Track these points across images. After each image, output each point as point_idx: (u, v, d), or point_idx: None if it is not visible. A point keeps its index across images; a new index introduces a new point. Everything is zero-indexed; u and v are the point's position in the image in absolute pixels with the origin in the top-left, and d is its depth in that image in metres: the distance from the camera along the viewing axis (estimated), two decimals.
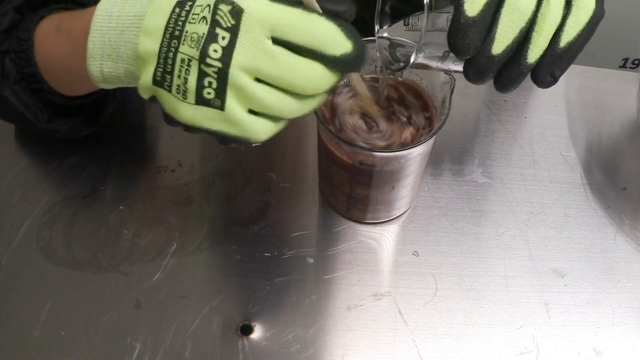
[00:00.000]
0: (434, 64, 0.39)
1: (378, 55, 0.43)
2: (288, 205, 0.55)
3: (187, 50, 0.32)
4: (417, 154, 0.45)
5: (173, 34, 0.32)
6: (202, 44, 0.32)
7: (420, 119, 0.48)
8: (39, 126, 0.49)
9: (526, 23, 0.34)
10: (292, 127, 0.60)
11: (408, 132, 0.47)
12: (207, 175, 0.56)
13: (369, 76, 0.50)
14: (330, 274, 0.51)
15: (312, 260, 0.52)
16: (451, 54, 0.36)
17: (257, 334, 0.48)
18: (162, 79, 0.33)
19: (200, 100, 0.33)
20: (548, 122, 0.63)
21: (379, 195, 0.49)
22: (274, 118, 0.34)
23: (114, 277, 0.50)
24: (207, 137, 0.35)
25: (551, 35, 0.35)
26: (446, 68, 0.40)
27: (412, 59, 0.38)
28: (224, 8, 0.32)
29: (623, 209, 0.57)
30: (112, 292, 0.49)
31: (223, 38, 0.32)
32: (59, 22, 0.44)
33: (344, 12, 0.34)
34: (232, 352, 0.47)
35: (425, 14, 0.36)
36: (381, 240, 0.54)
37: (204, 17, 0.32)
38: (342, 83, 0.48)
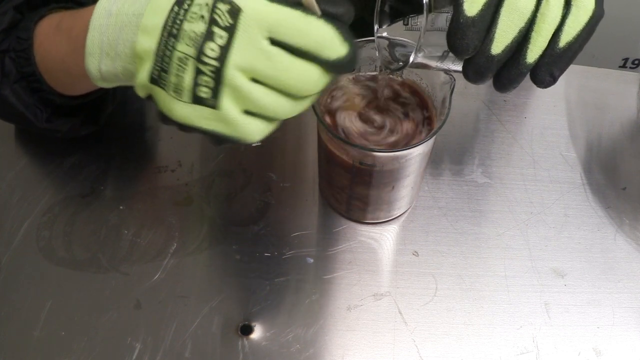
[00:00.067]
0: (433, 63, 0.39)
1: (377, 55, 0.43)
2: (288, 205, 0.55)
3: (184, 48, 0.32)
4: (417, 154, 0.45)
5: (171, 32, 0.32)
6: (199, 42, 0.32)
7: (420, 119, 0.48)
8: (39, 126, 0.49)
9: (525, 23, 0.34)
10: (292, 127, 0.60)
11: (408, 130, 0.47)
12: (207, 175, 0.56)
13: (368, 75, 0.50)
14: (330, 274, 0.51)
15: (312, 260, 0.52)
16: (450, 54, 0.36)
17: (257, 334, 0.48)
18: (158, 77, 0.33)
19: (196, 99, 0.32)
20: (548, 122, 0.63)
21: (379, 195, 0.49)
22: (267, 118, 0.34)
23: (114, 277, 0.50)
24: (206, 137, 0.35)
25: (550, 35, 0.35)
26: (446, 68, 0.40)
27: (411, 59, 0.38)
28: (222, 7, 0.32)
29: (623, 209, 0.57)
30: (112, 292, 0.49)
31: (220, 37, 0.32)
32: (59, 22, 0.44)
33: (342, 14, 0.34)
34: (232, 352, 0.47)
35: (425, 13, 0.36)
36: (381, 240, 0.54)
37: (202, 16, 0.32)
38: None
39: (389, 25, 0.42)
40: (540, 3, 0.34)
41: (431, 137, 0.43)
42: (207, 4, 0.32)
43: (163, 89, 0.33)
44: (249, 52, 0.32)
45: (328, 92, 0.49)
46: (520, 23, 0.34)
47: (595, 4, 0.35)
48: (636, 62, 1.10)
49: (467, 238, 0.54)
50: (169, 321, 0.48)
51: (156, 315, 0.48)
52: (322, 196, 0.56)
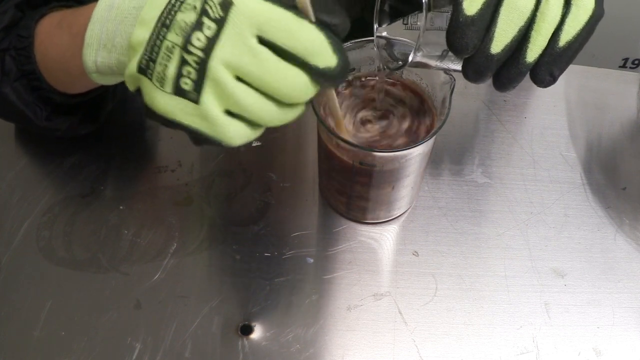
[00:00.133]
0: (433, 63, 0.39)
1: (377, 54, 0.43)
2: (288, 205, 0.55)
3: (173, 37, 0.31)
4: (417, 154, 0.45)
5: (164, 22, 0.32)
6: (187, 31, 0.31)
7: (420, 119, 0.48)
8: (38, 124, 0.49)
9: (525, 22, 0.34)
10: (292, 127, 0.60)
11: (407, 130, 0.47)
12: (207, 175, 0.56)
13: (368, 76, 0.50)
14: (330, 274, 0.51)
15: (312, 260, 0.52)
16: (450, 53, 0.36)
17: (257, 334, 0.48)
18: (146, 66, 0.32)
19: (177, 90, 0.32)
20: (548, 122, 0.63)
21: (379, 195, 0.49)
22: (251, 123, 0.34)
23: (114, 277, 0.50)
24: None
25: (550, 35, 0.35)
26: (445, 67, 0.40)
27: (410, 58, 0.38)
28: None
29: (623, 209, 0.57)
30: (112, 292, 0.49)
31: (209, 28, 0.31)
32: (59, 20, 0.44)
33: (336, 25, 0.34)
34: (232, 352, 0.47)
35: (424, 12, 0.36)
36: (381, 240, 0.54)
37: (195, 7, 0.31)
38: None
39: (388, 25, 0.42)
40: (540, 2, 0.34)
41: (431, 137, 0.43)
42: None
43: (149, 78, 0.32)
44: (235, 48, 0.31)
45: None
46: (519, 22, 0.34)
47: (595, 3, 0.35)
48: (636, 62, 1.10)
49: (467, 238, 0.54)
50: (169, 321, 0.48)
51: (156, 315, 0.48)
52: (322, 196, 0.56)
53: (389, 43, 0.43)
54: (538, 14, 0.34)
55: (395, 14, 0.42)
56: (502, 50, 0.35)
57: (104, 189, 0.55)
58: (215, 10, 0.31)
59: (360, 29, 0.42)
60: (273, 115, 0.33)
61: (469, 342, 0.49)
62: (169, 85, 0.32)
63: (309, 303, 0.50)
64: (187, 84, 0.32)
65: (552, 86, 0.37)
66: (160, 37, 0.32)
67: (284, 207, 0.55)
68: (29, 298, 0.49)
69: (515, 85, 0.37)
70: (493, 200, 0.57)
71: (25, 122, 0.49)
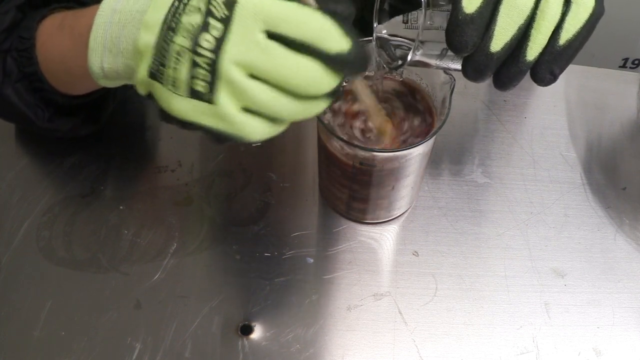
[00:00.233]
0: (432, 61, 0.39)
1: (376, 53, 0.43)
2: (288, 205, 0.55)
3: (181, 40, 0.31)
4: (417, 154, 0.45)
5: (170, 26, 0.32)
6: (195, 34, 0.31)
7: (420, 119, 0.48)
8: (40, 125, 0.49)
9: (525, 20, 0.34)
10: (292, 127, 0.59)
11: (407, 130, 0.47)
12: (207, 175, 0.56)
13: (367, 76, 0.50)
14: (330, 274, 0.51)
15: (312, 260, 0.52)
16: (450, 52, 0.36)
17: (257, 334, 0.48)
18: (157, 71, 0.32)
19: (192, 93, 0.32)
20: (548, 122, 0.63)
21: (379, 195, 0.49)
22: (270, 118, 0.33)
23: (114, 277, 0.50)
24: (206, 135, 0.34)
25: (550, 33, 0.35)
26: (445, 66, 0.40)
27: (409, 57, 0.38)
28: None
29: (623, 209, 0.57)
30: (112, 292, 0.49)
31: (216, 28, 0.31)
32: (61, 21, 0.44)
33: (341, 11, 0.34)
34: (232, 352, 0.47)
35: (423, 11, 0.36)
36: (381, 240, 0.54)
37: (199, 8, 0.31)
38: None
39: (388, 23, 0.42)
40: (540, 0, 0.34)
41: (431, 137, 0.43)
42: None
43: (162, 83, 0.33)
44: (244, 45, 0.31)
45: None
46: (519, 20, 0.34)
47: (596, 1, 0.35)
48: (636, 62, 1.10)
49: (467, 238, 0.54)
50: (169, 321, 0.48)
51: (156, 315, 0.48)
52: (322, 196, 0.56)
53: (389, 42, 0.43)
54: (538, 12, 0.34)
55: (395, 13, 0.42)
56: (502, 49, 0.35)
57: (104, 189, 0.55)
58: (220, 10, 0.31)
59: (359, 28, 0.42)
60: (292, 109, 0.33)
61: (469, 342, 0.49)
62: (183, 89, 0.32)
63: (309, 303, 0.50)
64: (200, 86, 0.32)
65: (552, 86, 0.37)
66: (168, 40, 0.32)
67: (284, 207, 0.55)
68: (29, 298, 0.49)
69: (516, 84, 0.37)
70: (493, 200, 0.57)
71: (26, 123, 0.49)
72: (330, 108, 0.48)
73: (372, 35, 0.43)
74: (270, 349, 0.47)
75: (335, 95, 0.34)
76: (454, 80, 0.43)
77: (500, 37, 0.34)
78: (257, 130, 0.33)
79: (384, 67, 0.44)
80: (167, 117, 0.34)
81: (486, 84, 0.65)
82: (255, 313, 0.49)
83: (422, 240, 0.54)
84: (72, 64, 0.42)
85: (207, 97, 0.32)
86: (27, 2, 0.47)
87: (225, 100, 0.32)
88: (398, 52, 0.42)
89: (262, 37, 0.31)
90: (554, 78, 0.36)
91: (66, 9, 0.47)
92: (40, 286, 0.49)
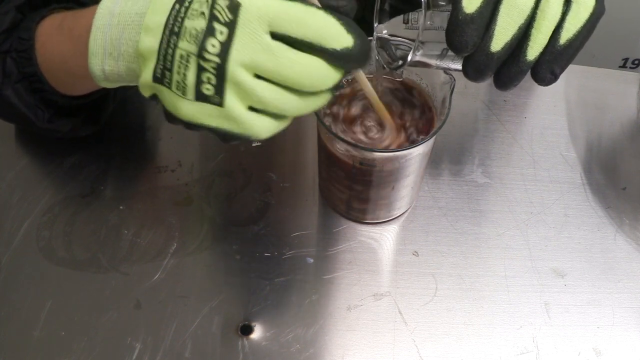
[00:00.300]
0: (432, 62, 0.39)
1: (377, 54, 0.43)
2: (288, 205, 0.55)
3: (186, 45, 0.32)
4: (417, 154, 0.45)
5: (172, 30, 0.32)
6: (200, 39, 0.31)
7: (420, 119, 0.48)
8: (40, 126, 0.49)
9: (525, 20, 0.34)
10: (292, 127, 0.59)
11: (407, 130, 0.47)
12: (207, 175, 0.56)
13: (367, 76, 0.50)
14: (330, 274, 0.51)
15: (312, 260, 0.52)
16: (450, 52, 0.36)
17: (257, 334, 0.48)
18: (162, 75, 0.33)
19: (200, 97, 0.32)
20: (548, 122, 0.63)
21: (379, 195, 0.49)
22: (275, 115, 0.34)
23: (114, 277, 0.50)
24: (207, 137, 0.34)
25: (551, 32, 0.35)
26: (445, 66, 0.40)
27: (409, 57, 0.38)
28: (222, 3, 0.32)
29: (623, 209, 0.57)
30: (112, 292, 0.49)
31: (221, 33, 0.31)
32: (60, 22, 0.44)
33: (343, 6, 0.34)
34: (232, 352, 0.47)
35: (423, 12, 0.36)
36: (381, 240, 0.54)
37: (202, 12, 0.32)
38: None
39: (388, 23, 0.42)
40: (540, 0, 0.34)
41: (431, 137, 0.43)
42: (207, 1, 0.32)
43: (167, 87, 0.33)
44: (250, 47, 0.32)
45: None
46: (519, 20, 0.34)
47: (596, 0, 0.35)
48: (636, 62, 1.10)
49: (467, 238, 0.54)
50: (169, 321, 0.48)
51: (156, 315, 0.48)
52: (322, 196, 0.56)
53: (389, 42, 0.43)
54: (538, 11, 0.34)
55: (395, 13, 0.42)
56: (502, 49, 0.35)
57: (104, 189, 0.55)
58: (224, 14, 0.31)
59: (361, 28, 0.42)
60: (297, 106, 0.34)
61: (469, 342, 0.49)
62: (190, 93, 0.32)
63: (309, 303, 0.50)
64: (208, 89, 0.32)
65: (552, 86, 0.37)
66: (172, 45, 0.32)
67: (284, 207, 0.55)
68: (29, 298, 0.49)
69: (516, 83, 0.37)
70: (493, 200, 0.57)
71: (26, 124, 0.49)
72: (331, 112, 0.48)
73: (371, 36, 0.43)
74: (270, 349, 0.47)
75: (338, 88, 0.35)
76: (454, 80, 0.43)
77: (501, 37, 0.34)
78: (264, 127, 0.34)
79: (385, 67, 0.44)
80: (173, 119, 0.34)
81: (486, 84, 0.65)
82: (255, 313, 0.49)
83: (422, 240, 0.54)
84: (72, 64, 0.42)
85: (214, 99, 0.32)
86: (27, 2, 0.47)
87: (232, 101, 0.32)
88: (398, 52, 0.42)
89: (267, 38, 0.32)
90: (554, 78, 0.36)
91: (65, 10, 0.47)
92: (40, 286, 0.49)
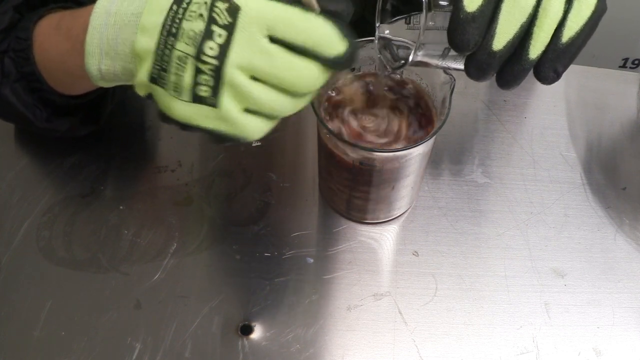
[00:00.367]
0: (434, 61, 0.39)
1: (378, 54, 0.43)
2: (288, 205, 0.55)
3: (183, 47, 0.32)
4: (417, 154, 0.45)
5: (170, 31, 0.32)
6: (198, 41, 0.32)
7: (420, 119, 0.48)
8: (38, 125, 0.49)
9: (527, 18, 0.34)
10: (292, 127, 0.60)
11: (407, 130, 0.47)
12: (207, 175, 0.56)
13: (368, 76, 0.50)
14: (330, 274, 0.51)
15: (312, 260, 0.52)
16: (451, 52, 0.36)
17: (257, 334, 0.48)
18: (158, 76, 0.33)
19: (196, 98, 0.33)
20: (548, 122, 0.63)
21: (379, 195, 0.49)
22: (267, 116, 0.35)
23: (114, 277, 0.50)
24: (206, 136, 0.35)
25: (553, 31, 0.35)
26: (447, 66, 0.40)
27: (410, 57, 0.38)
28: (221, 5, 0.32)
29: (623, 209, 0.57)
30: (112, 292, 0.49)
31: (219, 35, 0.32)
32: (58, 21, 0.44)
33: (341, 11, 0.34)
34: (232, 352, 0.47)
35: (424, 11, 0.36)
36: (381, 240, 0.54)
37: (201, 14, 0.32)
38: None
39: (390, 23, 0.42)
40: None
41: (431, 137, 0.43)
42: (205, 3, 0.32)
43: (163, 88, 0.33)
44: (248, 51, 0.32)
45: (328, 90, 0.49)
46: (521, 18, 0.34)
47: None
48: (636, 62, 1.10)
49: (467, 238, 0.54)
50: (169, 321, 0.48)
51: (156, 315, 0.48)
52: (322, 196, 0.56)
53: (391, 43, 0.43)
54: (540, 10, 0.34)
55: (396, 13, 0.42)
56: (504, 47, 0.35)
57: (104, 189, 0.55)
58: (223, 17, 0.32)
59: (360, 28, 0.42)
60: (289, 106, 0.35)
61: (469, 342, 0.49)
62: (186, 94, 0.33)
63: (309, 303, 0.50)
64: (204, 91, 0.32)
65: (552, 86, 0.37)
66: (169, 46, 0.32)
67: (284, 207, 0.55)
68: (29, 298, 0.49)
69: (519, 82, 0.37)
70: (493, 200, 0.57)
71: (25, 123, 0.49)
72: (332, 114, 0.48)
73: (372, 35, 0.43)
74: (270, 349, 0.47)
75: (321, 88, 0.36)
76: (454, 80, 0.43)
77: (503, 36, 0.34)
78: (257, 128, 0.34)
79: (386, 67, 0.44)
80: (167, 119, 0.34)
81: (486, 84, 0.65)
82: (255, 313, 0.49)
83: (422, 240, 0.54)
84: (70, 64, 0.42)
85: (210, 101, 0.33)
86: (25, 2, 0.47)
87: (228, 103, 0.33)
88: (400, 52, 0.42)
89: (265, 42, 0.32)
90: (557, 76, 0.36)
91: (63, 9, 0.47)
92: (40, 286, 0.49)
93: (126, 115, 0.60)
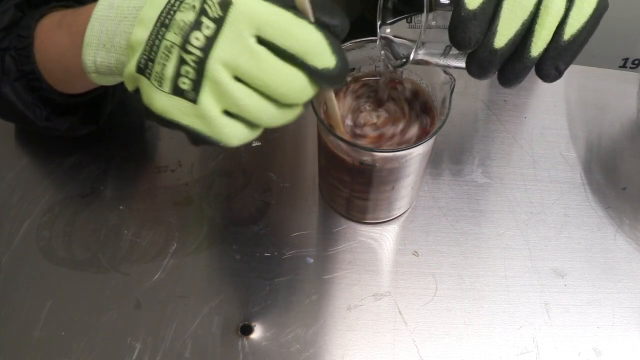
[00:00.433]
0: (435, 60, 0.39)
1: (380, 52, 0.43)
2: (288, 205, 0.55)
3: (172, 37, 0.31)
4: (417, 154, 0.45)
5: (163, 22, 0.32)
6: (186, 31, 0.31)
7: (420, 119, 0.48)
8: (38, 124, 0.49)
9: (528, 16, 0.34)
10: (292, 127, 0.60)
11: (407, 130, 0.47)
12: (207, 175, 0.56)
13: (368, 76, 0.50)
14: (330, 274, 0.51)
15: (312, 260, 0.52)
16: (453, 50, 0.36)
17: (257, 334, 0.48)
18: (145, 66, 0.32)
19: (176, 90, 0.32)
20: (548, 122, 0.63)
21: (379, 195, 0.49)
22: (249, 123, 0.33)
23: (114, 277, 0.50)
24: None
25: (554, 28, 0.35)
26: (448, 64, 0.40)
27: (411, 56, 0.38)
28: None
29: (623, 209, 0.57)
30: (112, 292, 0.49)
31: (207, 27, 0.31)
32: (60, 19, 0.44)
33: (335, 25, 0.33)
34: (232, 352, 0.47)
35: (425, 10, 0.36)
36: (381, 240, 0.54)
37: (194, 6, 0.31)
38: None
39: (391, 23, 0.42)
40: None
41: (431, 137, 0.43)
42: None
43: (148, 78, 0.32)
44: (234, 47, 0.31)
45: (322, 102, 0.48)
46: (523, 16, 0.34)
47: None
48: (636, 62, 1.10)
49: (467, 238, 0.54)
50: (169, 321, 0.48)
51: (156, 315, 0.48)
52: (322, 196, 0.56)
53: (392, 41, 0.43)
54: (541, 7, 0.34)
55: (397, 13, 0.42)
56: (505, 45, 0.35)
57: (104, 189, 0.55)
58: (214, 10, 0.31)
59: (360, 28, 0.42)
60: (271, 116, 0.33)
61: (469, 342, 0.49)
62: (167, 85, 0.32)
63: (309, 303, 0.50)
64: (185, 84, 0.31)
65: (552, 86, 0.37)
66: (160, 36, 0.32)
67: (284, 207, 0.55)
68: (29, 298, 0.49)
69: (521, 80, 0.37)
70: (493, 200, 0.57)
71: (25, 122, 0.49)
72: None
73: (372, 35, 0.43)
74: (270, 349, 0.47)
75: (308, 103, 0.35)
76: (454, 80, 0.43)
77: (504, 33, 0.34)
78: (235, 134, 0.33)
79: (388, 66, 0.44)
80: (149, 114, 0.33)
81: (486, 84, 0.65)
82: (255, 313, 0.49)
83: (422, 240, 0.54)
84: (70, 62, 0.42)
85: (190, 95, 0.32)
86: (27, 0, 0.47)
87: (208, 100, 0.32)
88: (402, 50, 0.42)
89: (252, 42, 0.31)
90: (559, 74, 0.36)
91: (65, 8, 0.47)
92: (40, 286, 0.49)
93: (126, 115, 0.60)
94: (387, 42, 0.43)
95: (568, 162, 0.60)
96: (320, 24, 0.32)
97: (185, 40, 0.31)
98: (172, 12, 0.32)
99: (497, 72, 0.37)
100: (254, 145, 0.58)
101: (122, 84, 0.40)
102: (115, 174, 0.56)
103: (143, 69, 0.32)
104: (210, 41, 0.31)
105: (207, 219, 0.54)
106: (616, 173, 0.60)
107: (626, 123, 0.64)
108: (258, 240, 0.53)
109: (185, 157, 0.57)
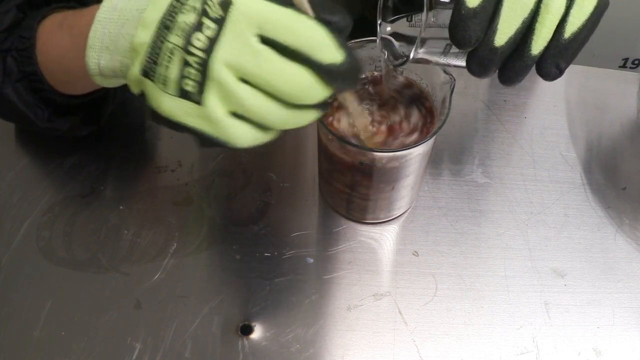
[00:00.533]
0: (435, 58, 0.39)
1: (380, 50, 0.43)
2: (288, 205, 0.55)
3: (174, 39, 0.31)
4: (417, 154, 0.45)
5: (166, 24, 0.32)
6: (188, 33, 0.31)
7: (420, 119, 0.48)
8: (39, 125, 0.49)
9: (529, 14, 0.34)
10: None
11: (407, 130, 0.47)
12: (207, 175, 0.56)
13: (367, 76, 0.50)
14: (330, 274, 0.51)
15: (312, 260, 0.52)
16: (453, 48, 0.36)
17: (257, 334, 0.48)
18: (149, 69, 0.32)
19: (181, 93, 0.32)
20: (548, 122, 0.63)
21: (379, 195, 0.49)
22: (257, 125, 0.33)
23: (114, 277, 0.50)
24: (193, 137, 0.34)
25: (555, 26, 0.34)
26: (448, 63, 0.40)
27: (411, 55, 0.38)
28: None
29: (623, 209, 0.57)
30: (112, 292, 0.49)
31: (208, 28, 0.31)
32: (61, 20, 0.44)
33: (337, 22, 0.33)
34: (232, 352, 0.47)
35: (425, 9, 0.36)
36: (381, 240, 0.54)
37: (194, 7, 0.31)
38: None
39: (391, 22, 0.42)
40: None
41: (431, 137, 0.43)
42: None
43: (153, 81, 0.32)
44: (235, 47, 0.31)
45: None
46: (523, 14, 0.34)
47: None
48: (636, 62, 1.10)
49: (467, 238, 0.54)
50: (169, 321, 0.48)
51: (156, 315, 0.48)
52: (322, 196, 0.56)
53: (392, 40, 0.43)
54: (542, 5, 0.34)
55: (397, 12, 0.42)
56: (506, 43, 0.35)
57: (104, 189, 0.55)
58: (214, 10, 0.31)
59: (361, 28, 0.42)
60: (280, 117, 0.33)
61: (469, 342, 0.49)
62: (172, 87, 0.32)
63: (309, 303, 0.50)
64: (189, 86, 0.31)
65: (552, 86, 0.37)
66: (162, 38, 0.32)
67: (284, 207, 0.55)
68: (29, 298, 0.49)
69: (521, 78, 0.36)
70: (493, 200, 0.57)
71: (26, 122, 0.49)
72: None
73: (373, 34, 0.43)
74: (270, 349, 0.47)
75: (326, 107, 0.34)
76: (454, 80, 0.43)
77: (504, 31, 0.34)
78: (243, 136, 0.33)
79: (388, 65, 0.44)
80: (156, 117, 0.33)
81: (486, 84, 0.65)
82: (255, 313, 0.49)
83: (422, 240, 0.54)
84: (71, 64, 0.42)
85: (195, 97, 0.32)
86: (28, 1, 0.47)
87: (213, 102, 0.32)
88: (402, 49, 0.42)
89: (255, 41, 0.31)
90: (560, 72, 0.36)
91: (67, 9, 0.47)
92: (40, 286, 0.49)
93: (126, 116, 0.60)
94: (387, 42, 0.43)
95: (568, 162, 0.60)
96: (321, 21, 0.32)
97: (187, 42, 0.31)
98: (174, 14, 0.32)
99: (497, 71, 0.37)
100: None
101: (123, 84, 0.40)
102: (115, 174, 0.56)
103: (147, 72, 0.32)
104: (212, 42, 0.31)
105: (207, 219, 0.54)
106: (616, 173, 0.60)
107: (626, 123, 0.64)
108: (258, 240, 0.53)
109: (185, 157, 0.57)
